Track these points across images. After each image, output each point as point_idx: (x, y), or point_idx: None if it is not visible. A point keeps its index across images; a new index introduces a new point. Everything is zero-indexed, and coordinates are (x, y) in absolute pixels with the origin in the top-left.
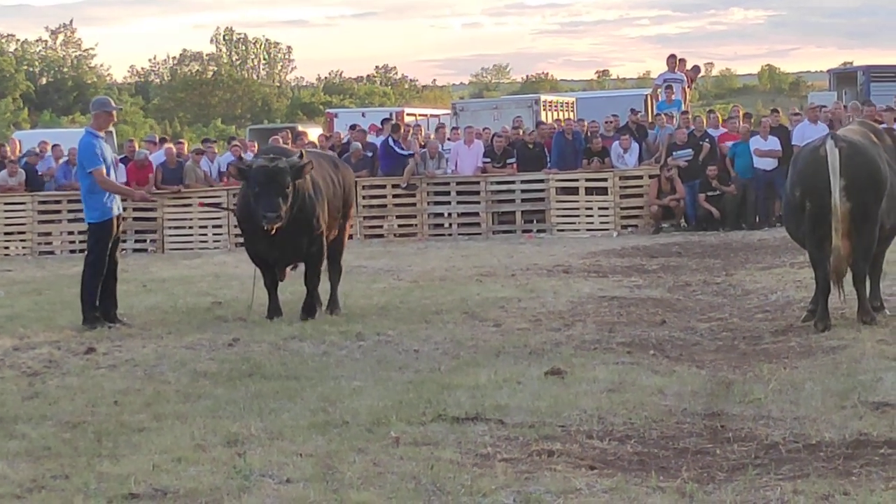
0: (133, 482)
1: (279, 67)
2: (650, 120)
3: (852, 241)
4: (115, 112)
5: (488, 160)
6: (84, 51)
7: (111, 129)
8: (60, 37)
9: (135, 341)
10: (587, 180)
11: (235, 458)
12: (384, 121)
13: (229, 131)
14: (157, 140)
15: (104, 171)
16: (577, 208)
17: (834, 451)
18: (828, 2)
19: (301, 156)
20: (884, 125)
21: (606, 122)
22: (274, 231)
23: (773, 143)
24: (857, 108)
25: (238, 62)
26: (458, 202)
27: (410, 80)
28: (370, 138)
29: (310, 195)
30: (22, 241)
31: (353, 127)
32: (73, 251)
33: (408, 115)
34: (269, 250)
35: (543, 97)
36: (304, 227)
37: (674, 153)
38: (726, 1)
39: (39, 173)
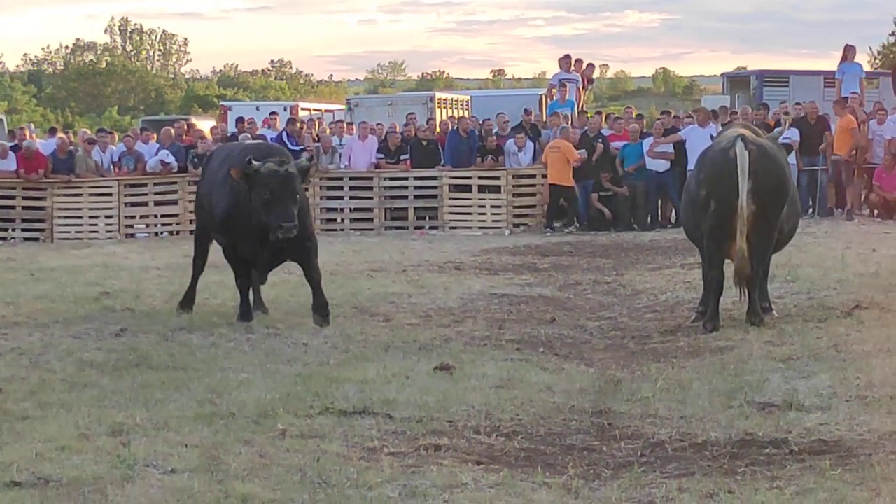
0: (15, 470)
1: (174, 59)
2: (544, 120)
3: (751, 244)
4: None
5: (382, 156)
6: None
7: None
8: None
9: (21, 329)
10: (480, 178)
11: (120, 448)
12: (271, 113)
13: (123, 122)
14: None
15: None
16: (470, 206)
17: (719, 450)
18: (722, 6)
19: (311, 158)
20: (779, 129)
21: (503, 122)
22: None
23: (666, 145)
24: (746, 112)
25: (132, 53)
26: (351, 197)
27: (305, 75)
28: (262, 131)
29: (304, 192)
30: None
31: (240, 119)
32: None
33: (302, 109)
34: (260, 253)
35: (438, 95)
36: (302, 225)
37: None
38: (621, 3)
39: None
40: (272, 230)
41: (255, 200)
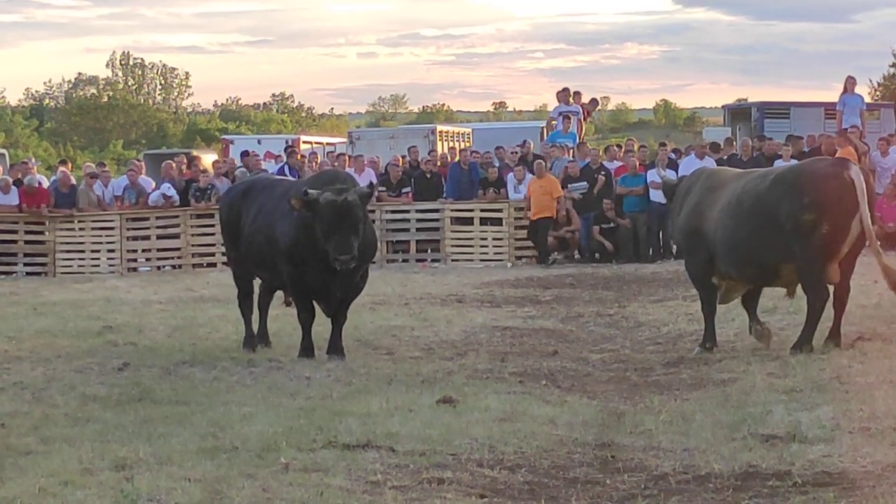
0: None
1: (176, 93)
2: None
3: (844, 267)
4: None
5: (384, 189)
6: None
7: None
8: None
9: (23, 364)
10: (482, 210)
11: (123, 483)
12: (287, 148)
13: (129, 156)
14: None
15: None
16: (472, 238)
17: (723, 482)
18: (721, 39)
19: (371, 185)
20: (779, 160)
21: (512, 153)
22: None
23: (670, 176)
24: (747, 144)
25: (134, 87)
26: None
27: (307, 108)
28: (265, 165)
29: (370, 222)
30: None
31: (245, 153)
32: None
33: (304, 142)
34: (326, 284)
35: (439, 127)
36: (364, 258)
37: (569, 185)
38: (620, 36)
39: None
40: (332, 262)
41: (317, 230)
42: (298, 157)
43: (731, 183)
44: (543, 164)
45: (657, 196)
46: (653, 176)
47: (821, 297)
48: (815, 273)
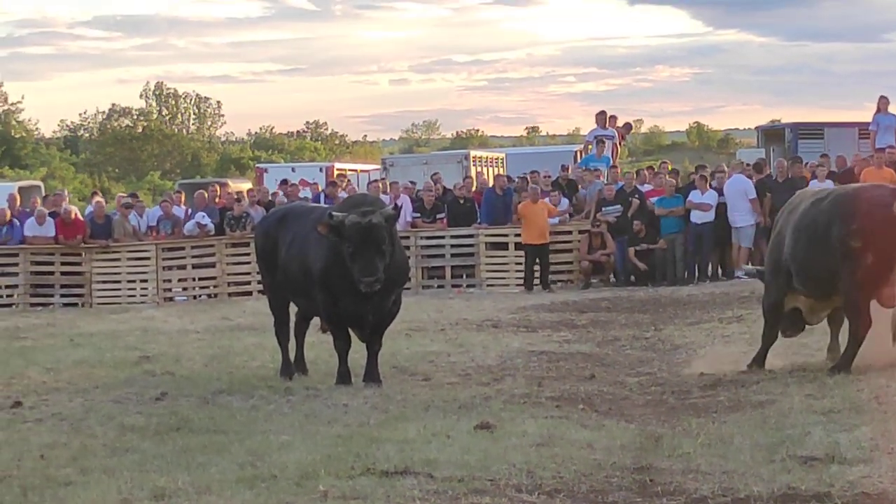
0: None
1: (209, 122)
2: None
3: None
4: None
5: (418, 215)
6: (11, 105)
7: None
8: None
9: (62, 395)
10: (517, 235)
11: None
12: (329, 180)
13: (165, 186)
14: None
15: None
16: (507, 263)
17: None
18: (752, 60)
19: (395, 207)
20: (814, 181)
21: (545, 177)
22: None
23: (710, 197)
24: (782, 165)
25: (168, 117)
26: None
27: (340, 135)
28: (302, 193)
29: (400, 246)
30: None
31: (283, 182)
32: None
33: (338, 170)
34: (358, 309)
35: (473, 153)
36: (396, 282)
37: (603, 209)
38: (651, 59)
39: None
40: (357, 283)
41: (343, 253)
42: (339, 187)
43: (802, 203)
44: (538, 188)
45: (696, 217)
46: (692, 197)
47: (863, 324)
48: (857, 299)
